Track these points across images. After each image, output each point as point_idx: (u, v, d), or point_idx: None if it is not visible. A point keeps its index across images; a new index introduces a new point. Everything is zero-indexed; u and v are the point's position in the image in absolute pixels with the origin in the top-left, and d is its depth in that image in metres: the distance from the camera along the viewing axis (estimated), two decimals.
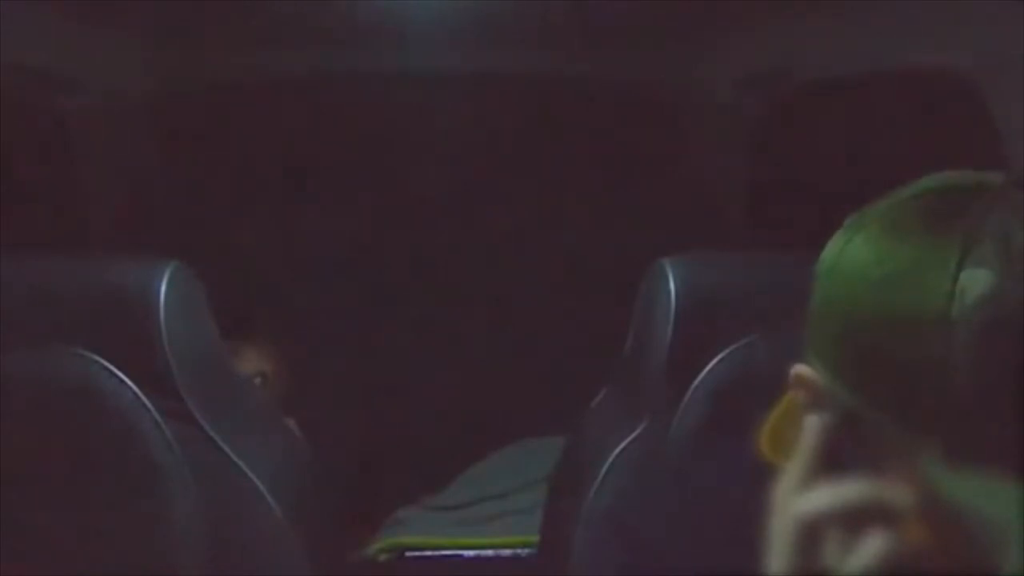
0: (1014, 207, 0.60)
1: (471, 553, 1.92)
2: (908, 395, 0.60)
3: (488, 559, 1.91)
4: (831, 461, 0.65)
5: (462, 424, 2.22)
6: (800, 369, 0.68)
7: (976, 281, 0.59)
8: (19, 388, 1.04)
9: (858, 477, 0.63)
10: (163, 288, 1.06)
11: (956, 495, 0.59)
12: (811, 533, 0.62)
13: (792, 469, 0.66)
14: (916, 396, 0.60)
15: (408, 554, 1.93)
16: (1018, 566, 0.56)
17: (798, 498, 0.64)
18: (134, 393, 1.03)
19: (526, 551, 1.87)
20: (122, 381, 1.03)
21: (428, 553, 1.93)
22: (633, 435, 1.14)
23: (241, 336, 1.77)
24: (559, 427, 1.58)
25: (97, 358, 1.03)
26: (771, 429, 0.73)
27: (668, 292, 1.10)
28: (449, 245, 2.29)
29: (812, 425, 0.66)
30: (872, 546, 0.60)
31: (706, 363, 1.08)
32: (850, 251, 0.65)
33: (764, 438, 0.73)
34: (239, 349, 1.77)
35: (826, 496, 0.63)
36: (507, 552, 1.90)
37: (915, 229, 0.62)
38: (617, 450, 1.13)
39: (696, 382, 1.07)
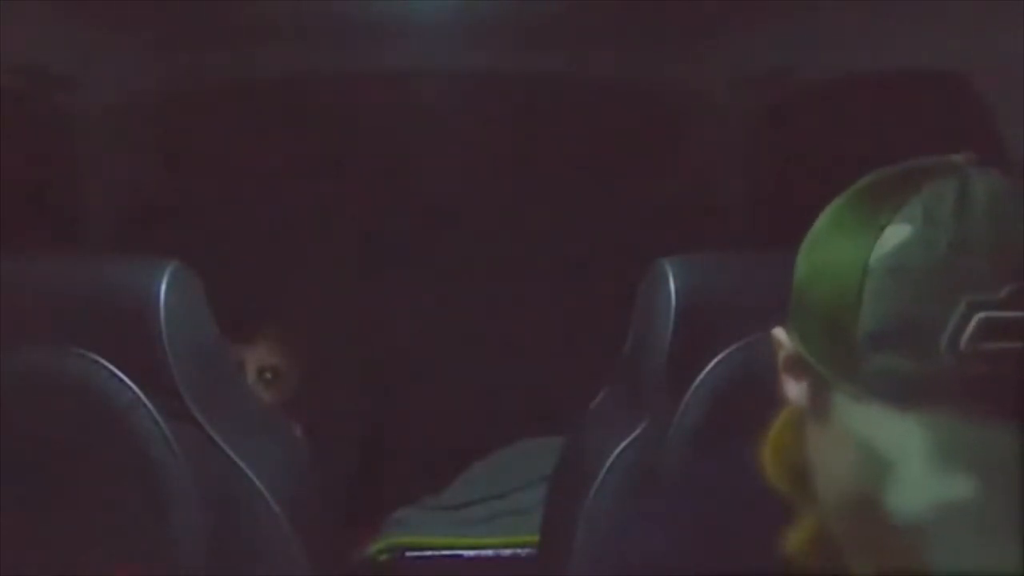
0: (962, 177, 0.62)
1: (471, 553, 1.92)
2: (830, 341, 0.63)
3: (488, 559, 1.91)
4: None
5: (462, 424, 2.22)
6: (777, 331, 0.71)
7: (897, 233, 0.61)
8: (19, 388, 1.04)
9: None
10: (163, 288, 1.06)
11: (855, 426, 0.61)
12: None
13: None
14: (836, 340, 0.62)
15: (408, 554, 1.93)
16: (904, 491, 0.58)
17: None
18: (134, 393, 1.03)
19: (526, 551, 1.87)
20: (122, 381, 1.03)
21: (428, 553, 1.93)
22: (633, 435, 1.14)
23: (252, 331, 1.77)
24: (559, 427, 1.59)
25: (97, 358, 1.03)
26: (771, 444, 0.74)
27: (668, 292, 1.10)
28: (449, 245, 2.29)
29: (790, 391, 0.69)
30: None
31: (706, 363, 1.08)
32: (816, 224, 0.69)
33: (766, 455, 0.74)
34: (251, 343, 1.77)
35: None
36: (507, 552, 1.90)
37: (864, 198, 0.65)
38: (617, 450, 1.13)
39: (696, 382, 1.07)
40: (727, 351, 1.07)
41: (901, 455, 0.59)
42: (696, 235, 2.02)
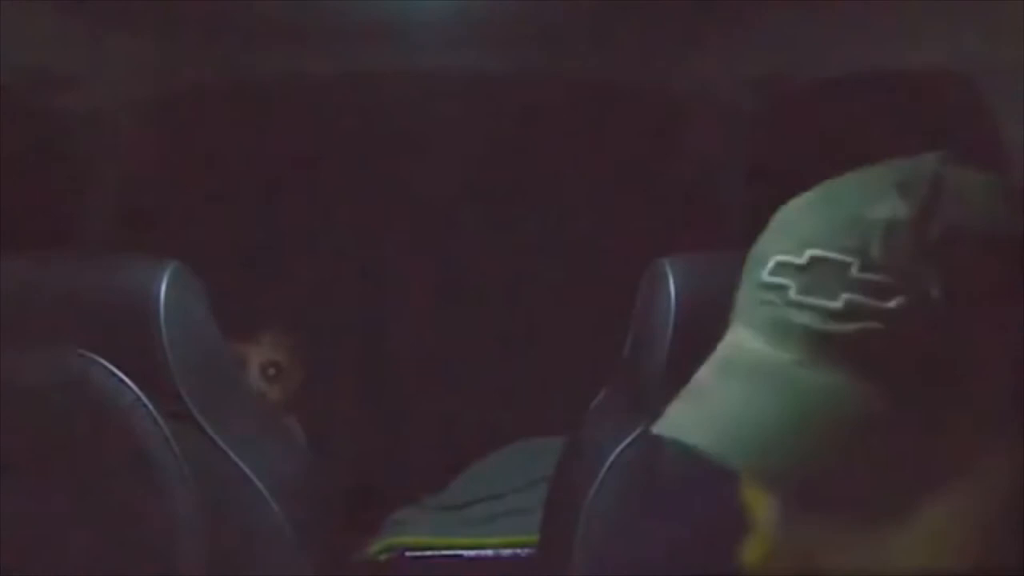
0: (936, 164, 0.62)
1: (471, 553, 1.92)
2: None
3: (488, 559, 1.91)
4: None
5: (462, 424, 2.22)
6: None
7: (884, 208, 0.60)
8: (19, 388, 1.04)
9: None
10: (163, 288, 1.06)
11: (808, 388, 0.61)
12: None
13: None
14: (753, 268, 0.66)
15: (408, 554, 1.93)
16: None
17: None
18: (134, 393, 1.03)
19: (526, 551, 1.87)
20: (122, 381, 1.03)
21: (428, 553, 1.93)
22: (633, 435, 1.14)
23: (255, 328, 1.77)
24: (559, 427, 1.58)
25: (97, 358, 1.03)
26: None
27: (668, 292, 1.10)
28: (448, 245, 2.29)
29: None
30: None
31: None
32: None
33: None
34: (253, 340, 1.77)
35: None
36: (507, 552, 1.90)
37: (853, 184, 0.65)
38: (617, 450, 1.13)
39: None
40: None
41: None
42: (696, 235, 2.02)
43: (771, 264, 0.63)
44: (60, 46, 1.58)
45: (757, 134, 1.92)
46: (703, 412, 0.63)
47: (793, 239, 0.62)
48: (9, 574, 1.02)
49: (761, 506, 0.65)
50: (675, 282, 1.10)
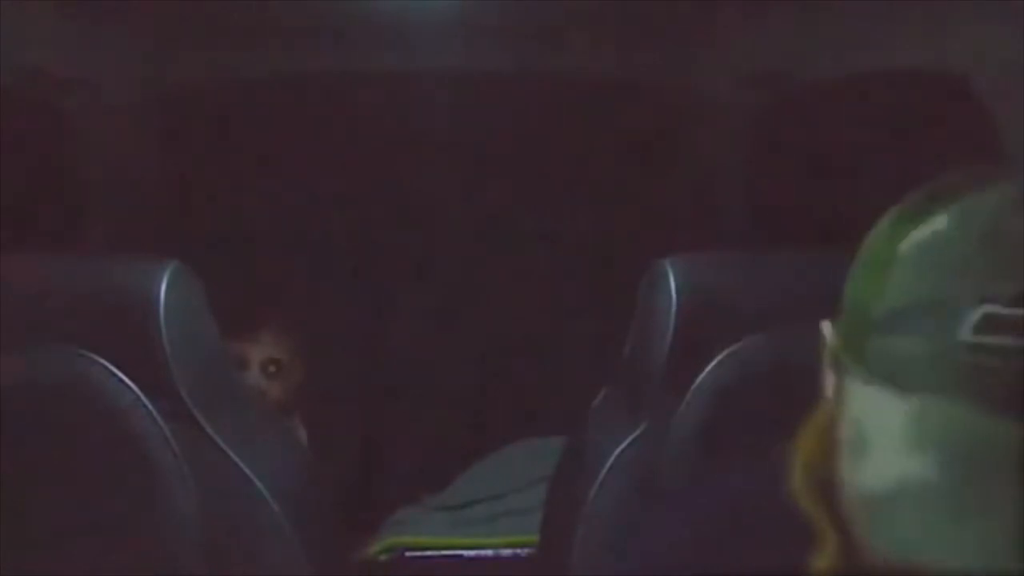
0: (1006, 184, 0.61)
1: (471, 553, 1.92)
2: (851, 324, 0.63)
3: (488, 559, 1.91)
4: None
5: (462, 424, 2.22)
6: (824, 324, 0.69)
7: (933, 224, 0.60)
8: (19, 388, 1.04)
9: None
10: (163, 288, 1.06)
11: (855, 407, 0.61)
12: None
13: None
14: (856, 322, 0.62)
15: (408, 554, 1.93)
16: (871, 466, 0.58)
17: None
18: (134, 393, 1.03)
19: (526, 551, 1.87)
20: (122, 381, 1.03)
21: (428, 553, 1.93)
22: (633, 435, 1.14)
23: (255, 326, 1.77)
24: (559, 427, 1.58)
25: (97, 358, 1.03)
26: (800, 452, 0.72)
27: (668, 292, 1.10)
28: (449, 244, 2.29)
29: (827, 385, 0.68)
30: None
31: (706, 363, 1.08)
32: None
33: (793, 464, 0.72)
34: (253, 339, 1.77)
35: None
36: (507, 552, 1.90)
37: (916, 198, 0.64)
38: (617, 450, 1.14)
39: (696, 382, 1.07)
40: (727, 351, 1.07)
41: (880, 432, 0.58)
42: (696, 235, 2.03)
43: (976, 317, 0.56)
44: (60, 46, 1.58)
45: (757, 134, 1.92)
46: (975, 529, 0.54)
47: (992, 279, 0.57)
48: (9, 574, 1.02)
49: (824, 519, 0.64)
50: (675, 282, 1.10)
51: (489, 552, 1.91)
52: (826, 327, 0.68)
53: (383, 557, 1.93)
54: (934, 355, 0.57)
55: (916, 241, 0.60)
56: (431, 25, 1.76)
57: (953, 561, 0.53)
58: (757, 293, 1.12)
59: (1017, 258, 0.56)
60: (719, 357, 1.07)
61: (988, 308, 0.55)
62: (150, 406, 1.04)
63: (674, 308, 1.09)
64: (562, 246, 2.26)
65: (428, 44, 1.88)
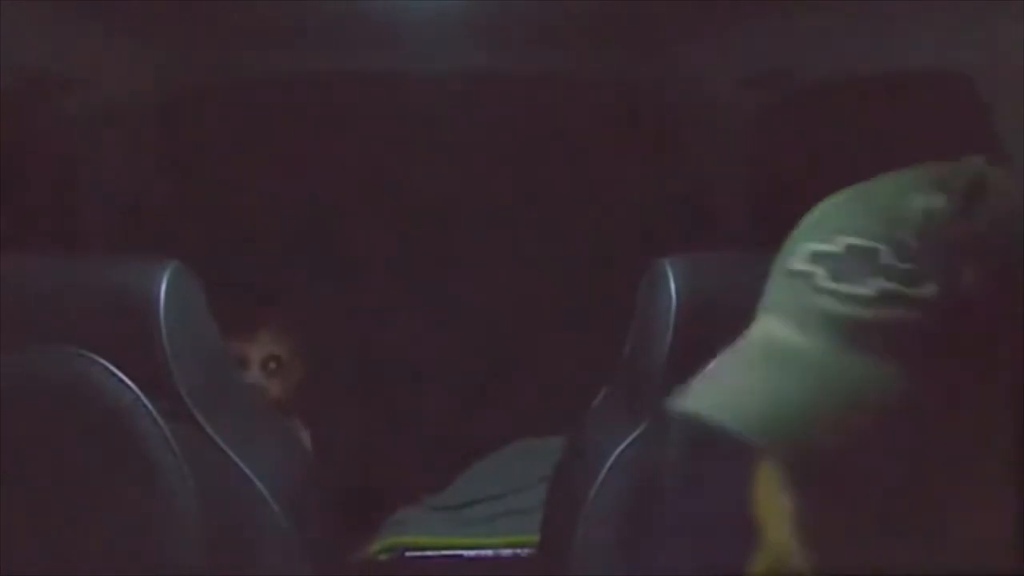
0: (980, 166, 0.61)
1: (471, 553, 1.92)
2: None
3: (488, 559, 1.91)
4: None
5: (462, 424, 2.22)
6: None
7: (921, 200, 0.60)
8: (19, 388, 1.04)
9: None
10: (163, 288, 1.06)
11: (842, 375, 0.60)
12: None
13: None
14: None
15: (408, 554, 1.93)
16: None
17: None
18: (134, 393, 1.03)
19: (526, 551, 1.87)
20: (122, 381, 1.03)
21: (428, 553, 1.93)
22: (633, 436, 1.14)
23: (255, 324, 1.77)
24: (559, 427, 1.58)
25: (97, 358, 1.03)
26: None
27: (668, 292, 1.10)
28: (449, 245, 2.29)
29: None
30: None
31: (706, 363, 1.07)
32: None
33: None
34: (253, 338, 1.77)
35: None
36: (507, 552, 1.90)
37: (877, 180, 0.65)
38: (617, 451, 1.13)
39: None
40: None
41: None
42: (696, 235, 2.02)
43: (802, 253, 0.63)
44: (60, 46, 1.58)
45: (757, 134, 1.92)
46: (731, 390, 0.63)
47: (826, 229, 0.62)
48: (10, 574, 1.02)
49: (773, 524, 0.65)
50: (675, 282, 1.10)
51: (489, 552, 1.91)
52: None
53: (383, 557, 1.93)
54: (775, 283, 0.65)
55: (824, 202, 0.65)
56: (430, 25, 1.76)
57: None
58: (757, 293, 1.11)
59: (892, 219, 0.59)
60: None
61: (812, 246, 0.62)
62: (150, 406, 1.04)
63: (674, 308, 1.09)
64: (562, 246, 2.26)
65: (428, 44, 1.88)
